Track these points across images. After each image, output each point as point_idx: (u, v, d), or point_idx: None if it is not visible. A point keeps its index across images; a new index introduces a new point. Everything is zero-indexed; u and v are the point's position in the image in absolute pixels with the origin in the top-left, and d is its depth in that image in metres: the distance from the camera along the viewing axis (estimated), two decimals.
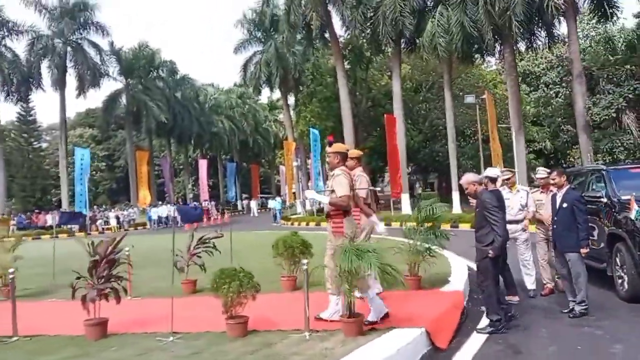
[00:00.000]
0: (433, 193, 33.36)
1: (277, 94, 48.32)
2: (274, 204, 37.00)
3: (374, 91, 33.64)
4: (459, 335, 5.19)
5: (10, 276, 5.41)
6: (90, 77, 36.03)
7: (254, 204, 40.16)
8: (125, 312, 5.74)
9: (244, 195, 53.68)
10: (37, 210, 37.65)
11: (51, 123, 63.13)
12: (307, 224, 25.81)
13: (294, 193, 35.80)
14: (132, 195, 41.73)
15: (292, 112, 37.97)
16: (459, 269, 8.02)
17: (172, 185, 46.71)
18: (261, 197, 51.56)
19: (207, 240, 7.29)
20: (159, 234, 16.74)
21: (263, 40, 35.47)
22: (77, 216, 10.07)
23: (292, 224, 27.62)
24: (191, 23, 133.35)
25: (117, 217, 33.74)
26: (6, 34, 35.78)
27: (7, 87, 35.94)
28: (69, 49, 35.99)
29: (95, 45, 37.22)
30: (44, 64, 35.84)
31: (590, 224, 7.49)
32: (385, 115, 24.68)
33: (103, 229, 31.39)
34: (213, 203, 41.85)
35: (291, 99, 38.88)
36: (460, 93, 31.17)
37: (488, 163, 26.56)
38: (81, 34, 36.58)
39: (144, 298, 7.22)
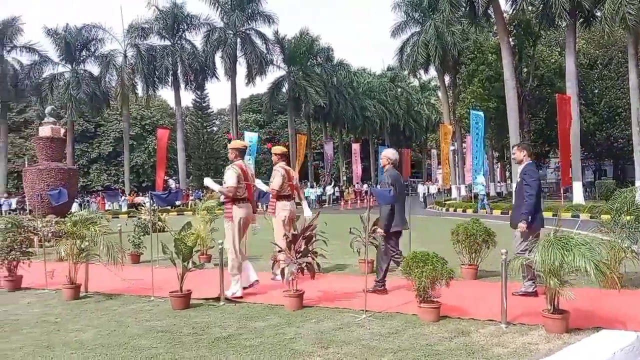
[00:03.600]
0: (611, 181, 29.93)
1: (430, 75, 47.27)
2: (423, 188, 36.48)
3: (542, 69, 31.03)
4: None
5: (220, 246, 6.02)
6: (258, 66, 38.58)
7: (422, 188, 38.26)
8: (312, 286, 6.08)
9: None
10: None
11: (220, 108, 69.54)
12: (464, 210, 24.84)
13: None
14: None
15: (449, 94, 36.79)
16: None
17: (329, 168, 48.39)
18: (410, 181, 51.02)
19: None
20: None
21: (421, 21, 34.76)
22: (268, 194, 10.92)
23: (446, 209, 26.92)
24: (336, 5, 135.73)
25: None
26: (185, 27, 39.94)
27: (187, 76, 40.17)
28: (238, 39, 38.87)
29: (261, 35, 39.70)
30: (218, 55, 39.23)
31: None
32: (556, 95, 22.66)
33: (266, 206, 33.75)
34: (365, 185, 42.68)
35: (447, 81, 37.63)
36: None
37: None
38: (249, 24, 39.21)
39: (326, 274, 7.58)
